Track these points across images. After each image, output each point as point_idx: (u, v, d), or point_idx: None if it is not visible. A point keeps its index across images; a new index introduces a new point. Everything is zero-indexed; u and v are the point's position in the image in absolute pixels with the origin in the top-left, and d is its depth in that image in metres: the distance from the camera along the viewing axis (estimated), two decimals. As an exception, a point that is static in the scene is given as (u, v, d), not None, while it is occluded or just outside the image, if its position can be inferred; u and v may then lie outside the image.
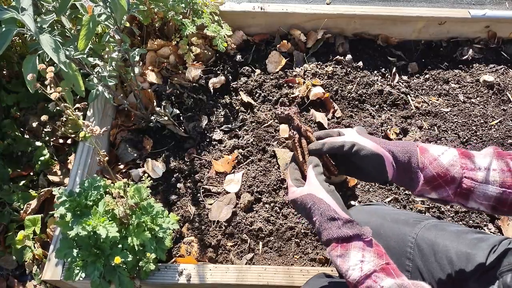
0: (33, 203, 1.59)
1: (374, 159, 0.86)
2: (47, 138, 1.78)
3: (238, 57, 1.88)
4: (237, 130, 1.71)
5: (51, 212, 1.57)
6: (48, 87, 0.99)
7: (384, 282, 0.74)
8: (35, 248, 1.53)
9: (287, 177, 0.97)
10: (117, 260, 1.11)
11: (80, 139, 1.06)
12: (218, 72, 1.83)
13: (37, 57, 1.16)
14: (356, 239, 0.81)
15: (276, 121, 1.74)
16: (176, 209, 1.52)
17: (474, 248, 0.94)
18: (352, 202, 1.55)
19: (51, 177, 1.68)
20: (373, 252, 0.79)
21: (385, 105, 1.81)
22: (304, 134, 0.98)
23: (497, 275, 0.84)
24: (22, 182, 1.67)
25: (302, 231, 1.48)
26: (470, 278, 0.90)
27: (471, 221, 1.53)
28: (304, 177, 0.95)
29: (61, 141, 1.78)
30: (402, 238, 1.01)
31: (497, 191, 0.80)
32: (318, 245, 1.47)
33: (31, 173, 1.70)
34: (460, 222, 1.53)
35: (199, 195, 1.55)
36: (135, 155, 1.63)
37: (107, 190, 1.25)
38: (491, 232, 1.51)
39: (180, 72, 1.81)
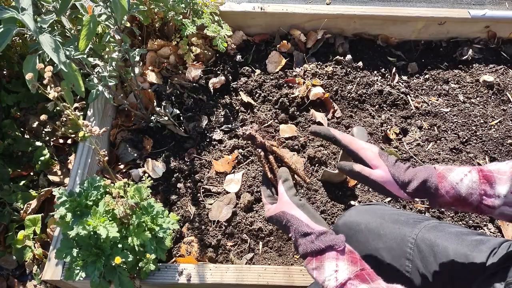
0: (33, 203, 1.59)
1: (394, 197, 0.93)
2: (47, 138, 1.78)
3: (238, 57, 1.88)
4: (237, 130, 1.71)
5: (51, 213, 1.57)
6: (48, 87, 0.99)
7: None
8: (35, 248, 1.53)
9: (262, 195, 1.02)
10: (118, 260, 1.11)
11: (79, 139, 1.06)
12: (218, 72, 1.83)
13: (37, 57, 1.16)
14: (329, 250, 0.83)
15: (276, 121, 1.74)
16: (176, 209, 1.52)
17: (474, 250, 0.94)
18: (352, 202, 1.55)
19: (51, 177, 1.68)
20: (347, 260, 0.81)
21: (385, 105, 1.81)
22: (270, 149, 1.01)
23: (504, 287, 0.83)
24: (22, 182, 1.67)
25: (302, 231, 1.48)
26: (471, 282, 0.89)
27: (471, 221, 1.53)
28: (277, 191, 0.99)
29: (61, 141, 1.78)
30: (402, 238, 1.01)
31: None
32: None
33: (31, 173, 1.71)
34: (460, 222, 1.53)
35: (199, 195, 1.55)
36: (135, 155, 1.63)
37: (107, 190, 1.25)
38: (490, 232, 1.52)
39: (180, 72, 1.81)
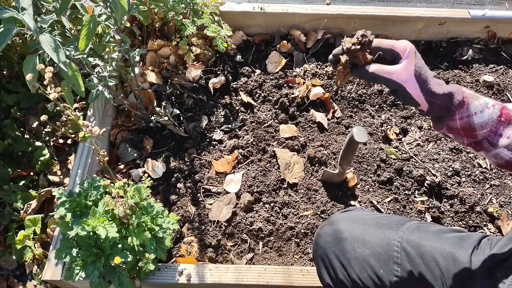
0: (33, 203, 1.59)
1: (412, 103, 0.84)
2: (47, 138, 1.78)
3: (238, 57, 1.88)
4: (237, 130, 1.71)
5: (51, 213, 1.57)
6: (48, 87, 0.99)
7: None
8: (35, 248, 1.53)
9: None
10: (117, 260, 1.11)
11: (79, 139, 1.06)
12: (218, 72, 1.83)
13: (38, 57, 1.16)
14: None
15: (276, 121, 1.74)
16: (176, 209, 1.52)
17: (457, 247, 0.95)
18: (352, 202, 1.55)
19: (51, 177, 1.68)
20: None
21: (385, 105, 1.81)
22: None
23: None
24: (22, 182, 1.67)
25: (302, 231, 1.48)
26: (460, 280, 0.90)
27: (471, 221, 1.53)
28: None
29: (61, 141, 1.78)
30: (387, 242, 1.00)
31: (511, 156, 0.81)
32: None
33: (31, 173, 1.71)
34: (460, 222, 1.53)
35: (199, 195, 1.55)
36: (135, 155, 1.63)
37: (107, 190, 1.25)
38: (490, 231, 1.52)
39: (180, 72, 1.81)
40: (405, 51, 0.82)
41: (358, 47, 0.79)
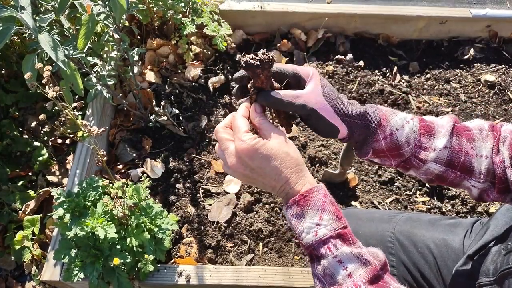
0: (32, 204, 1.58)
1: (330, 129, 0.77)
2: (45, 138, 1.77)
3: (238, 56, 1.87)
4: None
5: (50, 214, 1.56)
6: (47, 86, 0.98)
7: (339, 251, 0.67)
8: (34, 248, 1.52)
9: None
10: (116, 261, 1.10)
11: (78, 139, 1.05)
12: (218, 71, 1.82)
13: (36, 56, 1.15)
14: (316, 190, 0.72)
15: (277, 121, 1.72)
16: (175, 209, 1.51)
17: (449, 233, 0.97)
18: (353, 203, 1.54)
19: (50, 177, 1.67)
20: (332, 214, 0.70)
21: (386, 104, 1.80)
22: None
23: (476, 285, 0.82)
24: (21, 182, 1.66)
25: (303, 231, 1.47)
26: (453, 266, 0.90)
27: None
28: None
29: (59, 141, 1.77)
30: (381, 234, 1.02)
31: (440, 169, 0.78)
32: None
33: (30, 173, 1.70)
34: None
35: (198, 195, 1.54)
36: (134, 155, 1.62)
37: (106, 190, 1.24)
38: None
39: (179, 71, 1.80)
40: (309, 75, 0.77)
41: (258, 62, 0.72)
